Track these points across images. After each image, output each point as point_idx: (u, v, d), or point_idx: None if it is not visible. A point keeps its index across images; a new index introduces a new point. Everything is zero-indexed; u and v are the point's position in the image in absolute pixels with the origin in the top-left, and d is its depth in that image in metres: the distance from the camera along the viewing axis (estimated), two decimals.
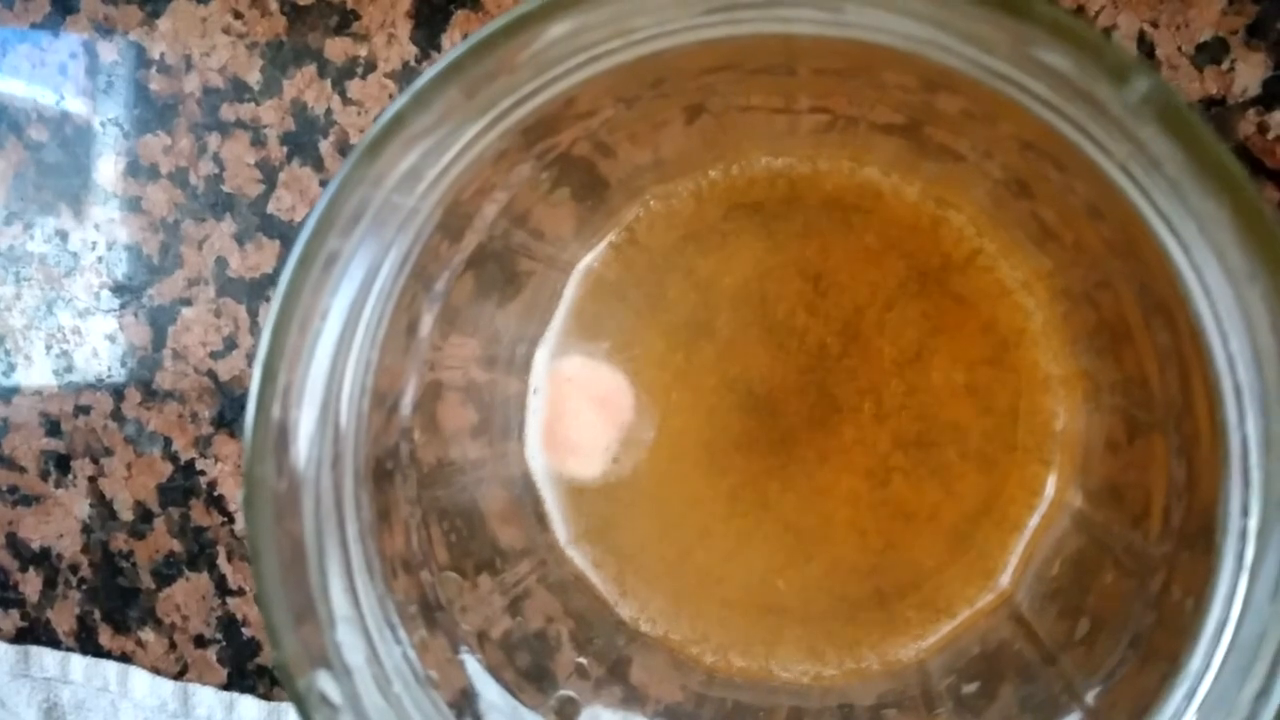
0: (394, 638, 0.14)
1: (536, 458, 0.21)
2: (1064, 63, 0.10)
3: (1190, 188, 0.10)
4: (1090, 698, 0.14)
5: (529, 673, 0.17)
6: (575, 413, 0.22)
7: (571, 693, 0.17)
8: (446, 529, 0.17)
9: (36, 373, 0.31)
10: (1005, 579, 0.20)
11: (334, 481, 0.13)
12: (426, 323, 0.16)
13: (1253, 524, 0.11)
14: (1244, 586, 0.11)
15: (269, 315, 0.12)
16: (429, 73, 0.12)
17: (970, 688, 0.18)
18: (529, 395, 0.21)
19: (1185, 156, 0.10)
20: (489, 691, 0.16)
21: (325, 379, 0.13)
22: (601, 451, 0.22)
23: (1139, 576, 0.14)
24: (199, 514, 0.30)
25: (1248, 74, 0.24)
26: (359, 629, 0.13)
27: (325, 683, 0.13)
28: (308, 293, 0.12)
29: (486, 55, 0.12)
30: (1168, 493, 0.14)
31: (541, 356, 0.21)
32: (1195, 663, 0.12)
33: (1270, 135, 0.24)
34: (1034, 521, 0.20)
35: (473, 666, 0.16)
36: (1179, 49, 0.24)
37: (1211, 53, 0.24)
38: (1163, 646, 0.13)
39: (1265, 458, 0.11)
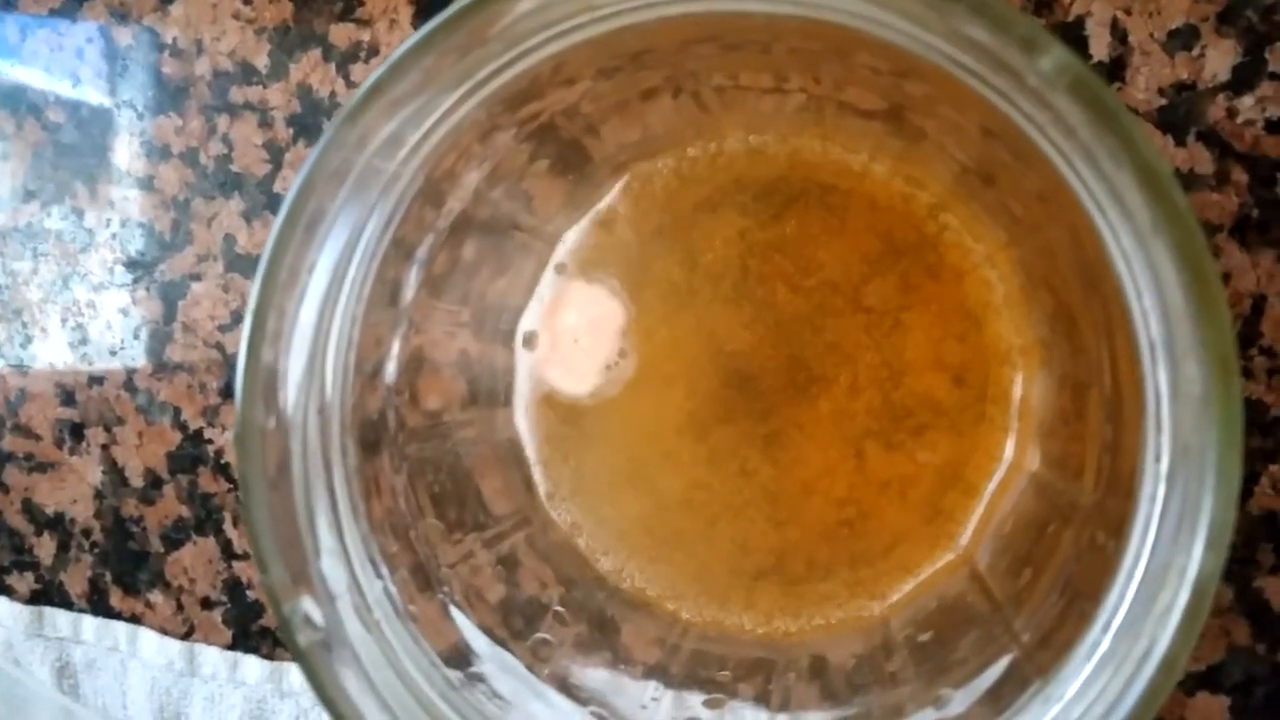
0: (375, 573, 0.15)
1: (523, 421, 0.22)
2: (984, 36, 0.11)
3: (1100, 152, 0.11)
4: (1025, 638, 0.15)
5: (508, 617, 0.18)
6: (557, 378, 0.23)
7: (547, 635, 0.18)
8: (431, 482, 0.18)
9: (53, 345, 0.32)
10: (965, 539, 0.21)
11: (320, 427, 0.14)
12: (411, 286, 0.17)
13: (1164, 467, 0.12)
14: (1155, 523, 0.12)
15: (259, 267, 0.13)
16: (405, 44, 0.13)
17: (924, 637, 0.19)
18: (516, 359, 0.22)
19: (1091, 120, 0.11)
20: (468, 631, 0.17)
21: (313, 330, 0.14)
22: (586, 397, 0.23)
23: (1074, 526, 0.15)
24: (206, 481, 0.31)
25: (1218, 60, 0.24)
26: (342, 561, 0.14)
27: (309, 606, 0.14)
28: (294, 247, 0.13)
29: (457, 29, 0.13)
30: (1100, 450, 0.15)
31: (525, 325, 0.22)
32: (1113, 596, 0.13)
33: (1239, 119, 0.25)
34: (993, 485, 0.20)
35: (453, 609, 0.17)
36: (1151, 35, 0.25)
37: (1183, 39, 0.25)
38: (1087, 587, 0.14)
39: (1174, 406, 0.12)
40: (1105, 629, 0.13)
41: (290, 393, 0.14)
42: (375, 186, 0.14)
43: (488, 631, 0.17)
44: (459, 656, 0.16)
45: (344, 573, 0.14)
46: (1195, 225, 0.11)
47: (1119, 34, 0.25)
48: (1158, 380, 0.12)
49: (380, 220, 0.14)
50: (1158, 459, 0.12)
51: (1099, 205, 0.12)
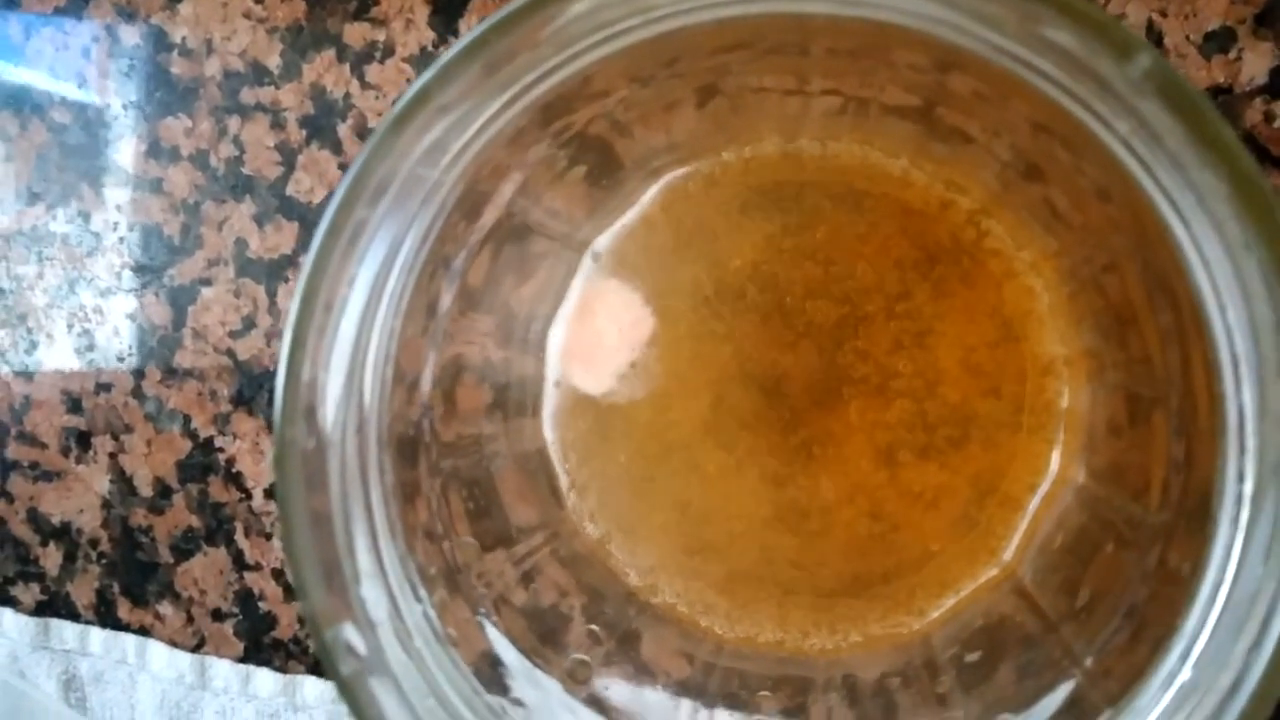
0: (415, 596, 0.14)
1: (551, 432, 0.22)
2: (1069, 40, 0.11)
3: (1190, 161, 0.11)
4: (1088, 663, 0.14)
5: (543, 637, 0.17)
6: (585, 386, 0.22)
7: (584, 656, 0.18)
8: (465, 497, 0.17)
9: (58, 351, 0.32)
10: (1009, 554, 0.20)
11: (359, 445, 0.14)
12: (446, 299, 0.16)
13: (1248, 489, 0.12)
14: (1239, 548, 0.12)
15: (299, 282, 0.13)
16: (454, 48, 0.12)
17: (972, 657, 0.18)
18: (544, 369, 0.21)
19: (1185, 130, 0.11)
20: (505, 653, 0.16)
21: (351, 345, 0.13)
22: (614, 406, 0.22)
23: (1138, 547, 0.15)
24: (217, 490, 0.30)
25: (1255, 63, 0.24)
26: (382, 586, 0.14)
27: (351, 634, 0.13)
28: (336, 261, 0.13)
29: (509, 31, 0.12)
30: (1167, 466, 0.14)
31: (553, 334, 0.21)
32: (1191, 623, 0.12)
33: (1277, 124, 0.24)
34: (1037, 499, 0.20)
35: (490, 629, 0.16)
36: (1187, 38, 0.24)
37: (1219, 42, 0.24)
38: (1158, 612, 0.13)
39: (1261, 424, 0.11)
40: (1184, 658, 0.12)
41: (329, 410, 0.13)
42: (417, 195, 0.13)
43: (524, 652, 0.17)
44: (497, 680, 0.16)
45: (384, 598, 0.14)
46: None
47: (1154, 36, 0.24)
48: (1241, 398, 0.12)
49: (420, 231, 0.14)
50: (1240, 480, 0.12)
51: (1181, 215, 0.11)
